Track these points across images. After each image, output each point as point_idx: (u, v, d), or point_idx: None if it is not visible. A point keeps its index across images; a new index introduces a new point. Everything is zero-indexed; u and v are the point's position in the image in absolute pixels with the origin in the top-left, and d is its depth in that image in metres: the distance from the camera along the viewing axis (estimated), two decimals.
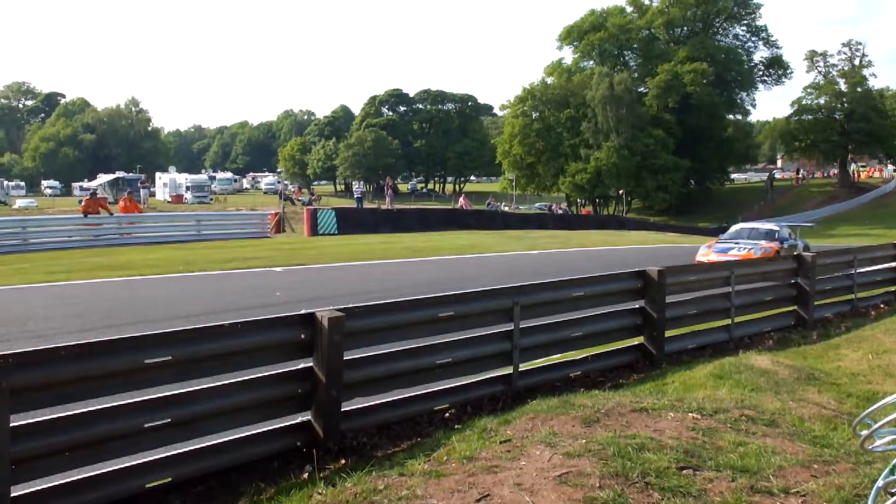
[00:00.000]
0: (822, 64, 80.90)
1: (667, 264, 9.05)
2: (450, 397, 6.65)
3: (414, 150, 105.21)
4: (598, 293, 8.23)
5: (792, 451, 4.87)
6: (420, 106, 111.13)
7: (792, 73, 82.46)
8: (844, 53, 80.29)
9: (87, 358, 4.61)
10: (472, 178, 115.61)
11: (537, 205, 73.35)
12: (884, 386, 7.26)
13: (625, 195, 70.68)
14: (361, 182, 76.20)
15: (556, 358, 7.83)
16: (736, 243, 18.41)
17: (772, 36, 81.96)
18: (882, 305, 12.76)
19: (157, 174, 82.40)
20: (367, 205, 46.85)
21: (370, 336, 6.13)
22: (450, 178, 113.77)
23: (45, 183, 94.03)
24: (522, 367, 7.23)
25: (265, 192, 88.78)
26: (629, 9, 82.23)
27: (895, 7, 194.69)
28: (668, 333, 8.71)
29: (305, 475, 5.07)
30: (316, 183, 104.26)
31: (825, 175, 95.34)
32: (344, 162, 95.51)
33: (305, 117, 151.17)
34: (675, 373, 7.87)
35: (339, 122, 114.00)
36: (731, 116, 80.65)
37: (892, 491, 3.48)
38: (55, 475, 4.48)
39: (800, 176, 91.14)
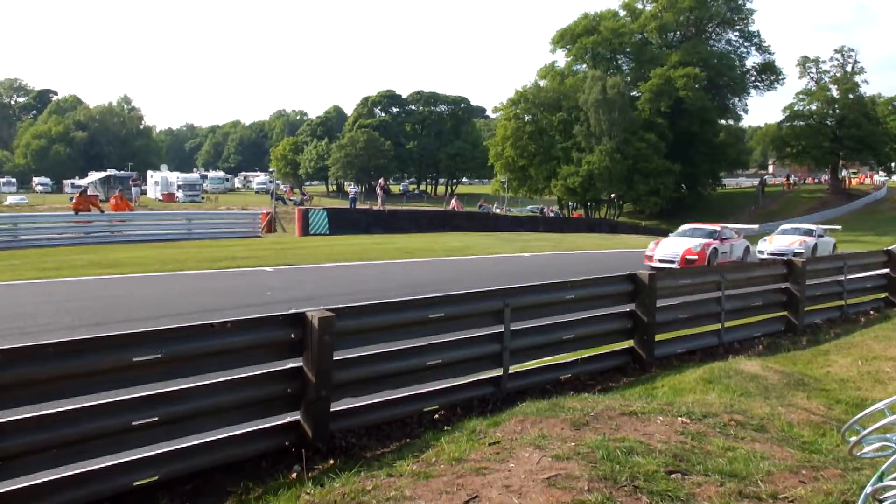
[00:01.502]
0: (814, 70, 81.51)
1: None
2: (439, 398, 6.63)
3: (406, 152, 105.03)
4: (589, 296, 8.22)
5: (781, 457, 4.88)
6: (413, 107, 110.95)
7: (784, 78, 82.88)
8: (837, 60, 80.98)
9: (75, 355, 4.58)
10: (465, 179, 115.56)
11: (529, 207, 73.51)
12: (873, 392, 7.27)
13: (616, 199, 70.81)
14: (354, 182, 76.16)
15: (546, 360, 7.82)
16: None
17: (764, 41, 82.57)
18: (872, 312, 12.80)
19: (149, 172, 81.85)
20: (358, 205, 46.77)
21: (360, 336, 6.10)
22: (442, 180, 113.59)
23: (36, 180, 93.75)
24: (512, 369, 7.21)
25: (257, 192, 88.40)
26: (622, 13, 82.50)
27: (888, 14, 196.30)
28: (658, 337, 8.71)
29: (294, 475, 5.06)
30: (308, 183, 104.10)
31: (816, 181, 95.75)
32: (336, 162, 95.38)
33: (298, 117, 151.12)
34: (664, 377, 7.87)
35: (332, 122, 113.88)
36: (723, 121, 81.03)
37: (880, 498, 3.49)
38: (42, 472, 4.45)
39: (791, 182, 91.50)
